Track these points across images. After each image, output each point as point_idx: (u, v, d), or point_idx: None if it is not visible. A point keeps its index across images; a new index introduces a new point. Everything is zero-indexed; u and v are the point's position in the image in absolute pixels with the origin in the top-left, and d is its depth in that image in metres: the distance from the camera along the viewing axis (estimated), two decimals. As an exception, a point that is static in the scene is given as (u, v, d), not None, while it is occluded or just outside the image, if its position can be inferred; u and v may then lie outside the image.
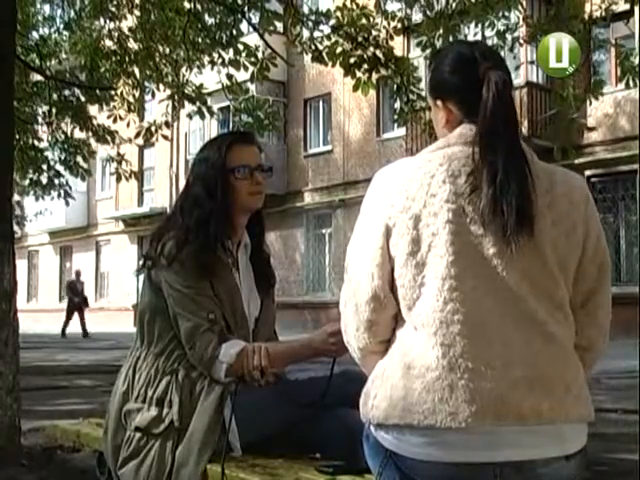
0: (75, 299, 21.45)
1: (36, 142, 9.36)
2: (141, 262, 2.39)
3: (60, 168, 9.33)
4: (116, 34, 7.93)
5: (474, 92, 1.60)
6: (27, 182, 9.43)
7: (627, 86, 6.51)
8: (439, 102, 1.70)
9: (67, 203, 9.92)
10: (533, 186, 1.55)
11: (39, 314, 29.99)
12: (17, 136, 8.20)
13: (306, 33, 7.29)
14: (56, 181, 9.37)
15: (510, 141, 1.56)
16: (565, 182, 1.63)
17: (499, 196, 1.52)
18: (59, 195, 9.62)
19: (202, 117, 8.35)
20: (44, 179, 9.29)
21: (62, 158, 9.24)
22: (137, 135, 8.41)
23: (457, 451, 1.49)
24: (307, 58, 7.40)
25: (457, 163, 1.57)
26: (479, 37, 7.32)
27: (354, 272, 1.64)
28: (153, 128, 8.41)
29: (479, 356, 1.50)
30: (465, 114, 1.64)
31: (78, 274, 22.61)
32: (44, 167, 9.27)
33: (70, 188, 9.76)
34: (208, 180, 2.34)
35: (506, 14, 6.91)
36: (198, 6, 7.26)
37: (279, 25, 7.70)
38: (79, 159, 9.24)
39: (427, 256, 1.54)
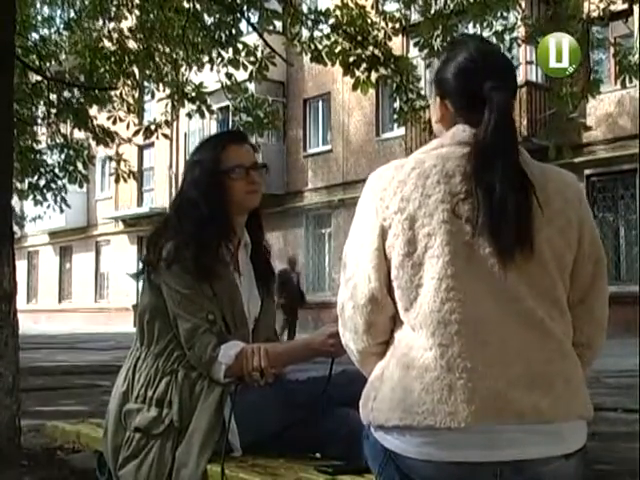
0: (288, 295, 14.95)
1: (35, 144, 9.31)
2: (140, 268, 2.39)
3: (58, 172, 9.26)
4: (115, 35, 7.93)
5: (473, 100, 1.60)
6: (26, 186, 9.35)
7: (623, 85, 6.51)
8: (438, 98, 1.71)
9: (62, 210, 9.84)
10: (535, 195, 1.55)
11: (39, 314, 30.00)
12: (21, 140, 8.20)
13: (305, 32, 7.29)
14: (53, 185, 9.30)
15: (509, 161, 1.56)
16: (558, 180, 1.64)
17: (497, 216, 1.52)
18: (55, 201, 9.54)
19: (202, 116, 8.35)
20: (42, 182, 9.21)
21: (60, 162, 9.16)
22: (136, 133, 8.40)
23: (457, 451, 1.49)
24: (306, 58, 7.40)
25: (451, 163, 1.58)
26: (478, 37, 7.31)
27: (351, 274, 1.64)
28: (153, 127, 8.41)
29: (477, 355, 1.50)
30: (460, 115, 1.65)
31: (292, 262, 16.10)
32: (42, 170, 9.20)
33: (66, 192, 9.67)
34: (203, 182, 2.34)
35: (504, 14, 6.91)
36: (197, 6, 7.26)
37: (278, 24, 7.70)
38: (79, 165, 9.17)
39: (423, 257, 1.55)
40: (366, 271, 1.60)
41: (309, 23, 7.02)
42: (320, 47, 6.90)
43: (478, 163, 1.55)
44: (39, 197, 9.45)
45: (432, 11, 6.68)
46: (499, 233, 1.52)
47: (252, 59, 7.37)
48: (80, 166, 9.21)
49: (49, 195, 9.47)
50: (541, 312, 1.55)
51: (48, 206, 9.80)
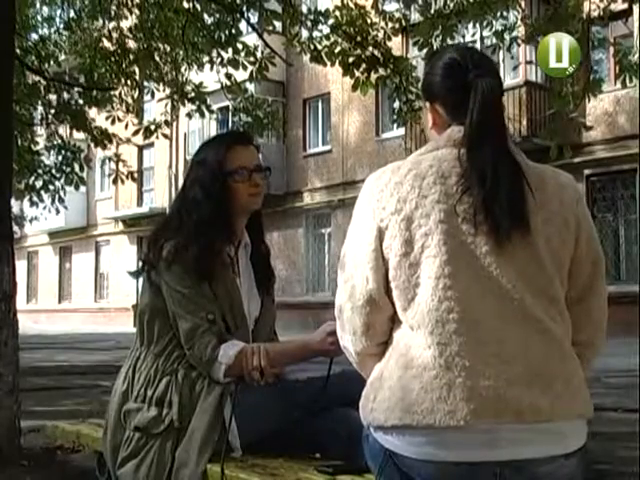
0: None
1: (32, 145, 9.29)
2: (139, 266, 2.39)
3: (55, 173, 9.22)
4: (115, 35, 7.92)
5: (461, 97, 1.62)
6: (23, 186, 9.32)
7: (624, 84, 6.50)
8: (428, 104, 1.73)
9: (57, 211, 9.82)
10: (528, 186, 1.56)
11: (39, 314, 29.99)
12: (19, 141, 8.19)
13: (305, 33, 7.29)
14: (50, 186, 9.28)
15: (497, 146, 1.58)
16: (555, 181, 1.65)
17: (490, 201, 1.54)
18: (52, 201, 9.52)
19: (202, 115, 8.36)
20: (39, 183, 9.19)
21: (57, 164, 9.14)
22: (136, 133, 8.40)
23: (457, 450, 1.49)
24: (306, 58, 7.41)
25: (447, 165, 1.59)
26: (477, 37, 7.33)
27: (348, 276, 1.65)
28: (152, 127, 8.41)
29: (476, 354, 1.51)
30: (452, 117, 1.67)
31: None
32: (39, 171, 9.17)
33: (64, 193, 9.63)
34: (206, 183, 2.34)
35: (504, 14, 6.91)
36: (197, 6, 7.26)
37: (278, 25, 7.71)
38: (76, 167, 9.14)
39: (420, 257, 1.55)
40: (364, 272, 1.61)
41: (308, 23, 7.02)
42: (320, 47, 6.90)
43: (469, 150, 1.57)
44: (35, 198, 9.43)
45: (432, 11, 6.69)
46: (494, 212, 1.53)
47: (252, 59, 7.38)
48: (77, 168, 9.19)
49: (46, 196, 9.44)
50: (539, 311, 1.55)
51: (44, 207, 9.77)
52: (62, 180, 9.13)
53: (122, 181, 9.01)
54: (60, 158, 9.15)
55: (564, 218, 1.60)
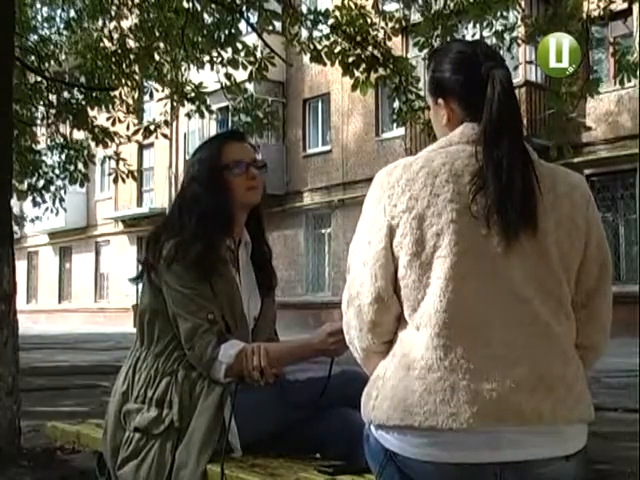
0: None
1: (34, 145, 9.30)
2: (140, 268, 2.39)
3: (57, 173, 9.24)
4: (116, 35, 7.92)
5: (476, 91, 1.59)
6: (25, 186, 9.34)
7: (622, 83, 6.51)
8: (440, 101, 1.69)
9: (57, 212, 9.83)
10: (538, 184, 1.55)
11: (39, 314, 29.98)
12: (21, 141, 8.19)
13: (305, 33, 7.29)
14: (52, 187, 9.29)
15: (515, 139, 1.56)
16: (566, 182, 1.63)
17: (504, 193, 1.52)
18: (54, 202, 9.53)
19: (202, 116, 8.35)
20: (40, 183, 9.20)
21: (61, 163, 9.15)
22: (135, 133, 8.40)
23: (458, 451, 1.49)
24: (306, 58, 7.41)
25: (460, 162, 1.57)
26: (477, 37, 7.33)
27: (357, 273, 1.62)
28: (152, 127, 8.41)
29: (481, 357, 1.50)
30: (467, 113, 1.64)
31: None
32: (40, 172, 9.18)
33: (65, 192, 9.64)
34: (205, 179, 2.35)
35: (504, 14, 6.91)
36: (197, 6, 7.26)
37: (278, 25, 7.71)
38: (80, 165, 9.15)
39: (432, 256, 1.53)
40: (373, 270, 1.59)
41: (308, 23, 7.02)
42: (319, 47, 6.90)
43: (487, 142, 1.55)
44: (38, 199, 9.44)
45: (432, 11, 6.69)
46: (506, 208, 1.51)
47: (251, 59, 7.38)
48: (80, 166, 9.20)
49: (48, 196, 9.45)
50: (547, 315, 1.54)
51: (46, 209, 9.79)
52: (66, 179, 9.14)
53: (123, 180, 9.00)
54: (63, 157, 9.16)
55: (574, 220, 1.59)
